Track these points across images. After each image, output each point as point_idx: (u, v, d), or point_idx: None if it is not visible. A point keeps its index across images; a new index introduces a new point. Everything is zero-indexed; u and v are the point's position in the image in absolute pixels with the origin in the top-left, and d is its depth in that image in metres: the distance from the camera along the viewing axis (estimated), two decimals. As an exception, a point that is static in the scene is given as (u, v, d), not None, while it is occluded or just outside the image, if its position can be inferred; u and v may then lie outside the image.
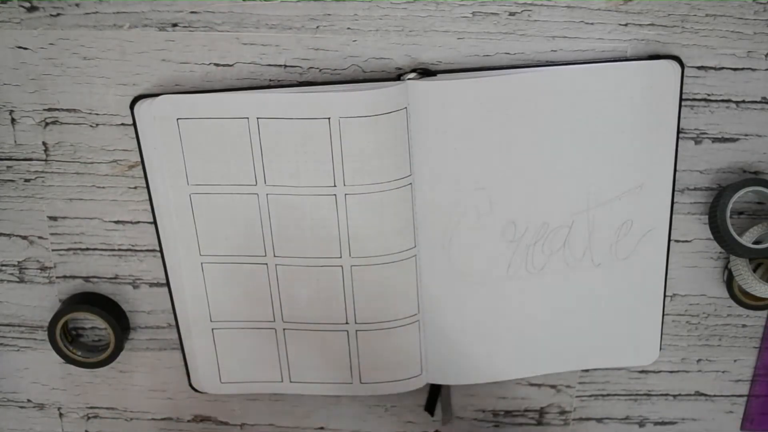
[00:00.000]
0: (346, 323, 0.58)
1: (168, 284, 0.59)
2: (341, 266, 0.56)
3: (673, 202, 0.58)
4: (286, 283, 0.57)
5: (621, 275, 0.59)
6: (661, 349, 0.62)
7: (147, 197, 0.57)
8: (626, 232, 0.58)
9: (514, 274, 0.58)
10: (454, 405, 0.65)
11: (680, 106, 0.55)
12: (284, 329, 0.59)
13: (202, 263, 0.57)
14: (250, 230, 0.56)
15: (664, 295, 0.60)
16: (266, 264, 0.57)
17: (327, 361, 0.60)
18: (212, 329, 0.60)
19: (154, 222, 0.57)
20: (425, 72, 0.54)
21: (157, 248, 0.58)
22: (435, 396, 0.64)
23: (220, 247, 0.57)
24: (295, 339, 0.58)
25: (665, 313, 0.62)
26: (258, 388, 0.62)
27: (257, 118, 0.52)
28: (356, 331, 0.58)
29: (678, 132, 0.56)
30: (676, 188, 0.58)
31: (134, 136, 0.55)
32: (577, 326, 0.60)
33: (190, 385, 0.62)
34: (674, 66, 0.54)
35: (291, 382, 0.62)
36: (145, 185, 0.56)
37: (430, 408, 0.64)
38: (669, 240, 0.59)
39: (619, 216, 0.57)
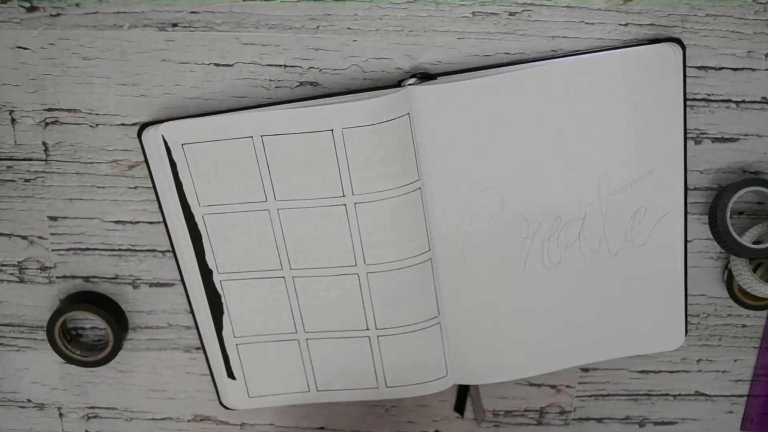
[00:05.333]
0: (367, 329, 0.58)
1: (192, 311, 0.59)
2: (357, 274, 0.56)
3: (686, 183, 0.57)
4: (304, 293, 0.57)
5: (639, 262, 0.58)
6: (687, 333, 0.62)
7: (146, 197, 0.57)
8: (640, 219, 0.57)
9: (532, 270, 0.58)
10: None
11: (685, 87, 0.55)
12: (307, 339, 0.59)
13: (221, 281, 0.58)
14: (264, 245, 0.56)
15: (686, 278, 0.60)
16: (283, 277, 0.57)
17: (352, 368, 0.60)
18: (236, 345, 0.60)
19: (172, 249, 0.57)
20: (425, 76, 0.54)
21: (157, 248, 0.59)
22: (464, 396, 0.64)
23: (237, 264, 0.57)
24: (318, 348, 0.58)
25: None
26: (287, 399, 0.62)
27: (261, 136, 0.52)
28: (377, 336, 0.58)
29: (685, 111, 0.55)
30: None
31: (134, 136, 0.55)
32: (601, 317, 0.60)
33: (221, 403, 0.63)
34: (675, 48, 0.53)
35: (318, 391, 0.61)
36: (145, 184, 0.57)
37: (459, 408, 0.64)
38: (686, 221, 0.58)
39: (632, 204, 0.57)
